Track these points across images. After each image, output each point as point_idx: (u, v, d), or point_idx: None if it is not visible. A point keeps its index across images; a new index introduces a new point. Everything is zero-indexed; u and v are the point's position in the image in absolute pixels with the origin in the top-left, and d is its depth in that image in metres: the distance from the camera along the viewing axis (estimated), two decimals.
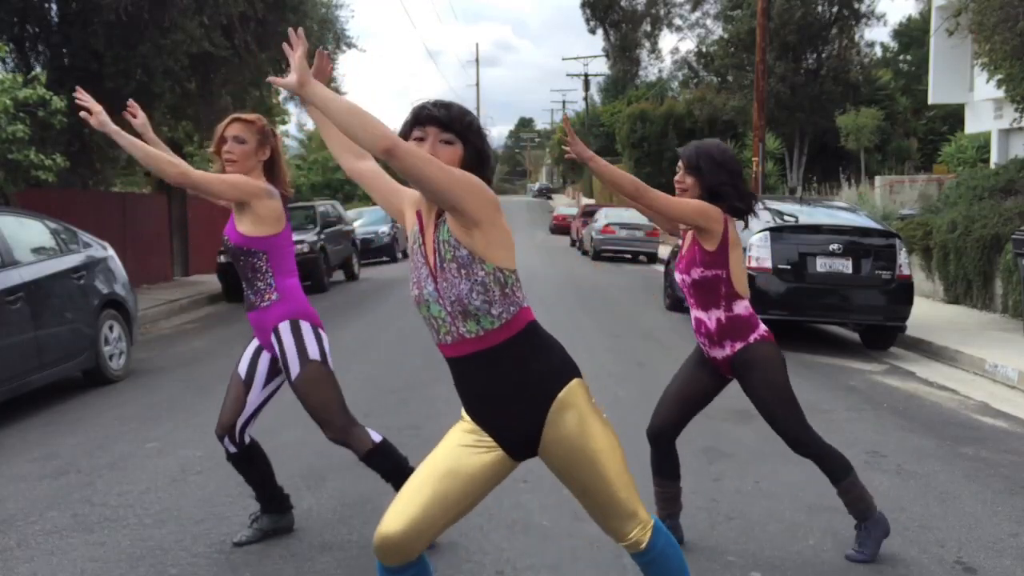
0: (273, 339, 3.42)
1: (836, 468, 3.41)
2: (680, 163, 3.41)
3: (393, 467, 3.47)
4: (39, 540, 3.71)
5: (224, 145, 3.44)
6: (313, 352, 3.40)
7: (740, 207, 3.34)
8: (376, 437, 3.44)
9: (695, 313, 3.41)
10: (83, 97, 3.45)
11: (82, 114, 3.42)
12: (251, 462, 3.61)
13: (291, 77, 2.06)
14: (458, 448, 2.32)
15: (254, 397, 3.51)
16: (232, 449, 3.55)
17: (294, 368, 3.38)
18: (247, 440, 3.57)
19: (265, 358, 3.52)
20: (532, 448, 2.29)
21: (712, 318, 3.34)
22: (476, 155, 2.25)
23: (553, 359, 2.27)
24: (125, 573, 3.36)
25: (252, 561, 3.45)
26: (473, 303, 2.17)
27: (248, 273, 3.45)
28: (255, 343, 3.56)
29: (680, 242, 3.59)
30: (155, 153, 3.37)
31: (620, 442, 2.33)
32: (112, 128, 3.41)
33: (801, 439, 3.39)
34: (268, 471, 3.67)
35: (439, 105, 2.24)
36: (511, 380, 2.23)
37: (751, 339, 3.32)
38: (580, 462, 2.27)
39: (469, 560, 3.42)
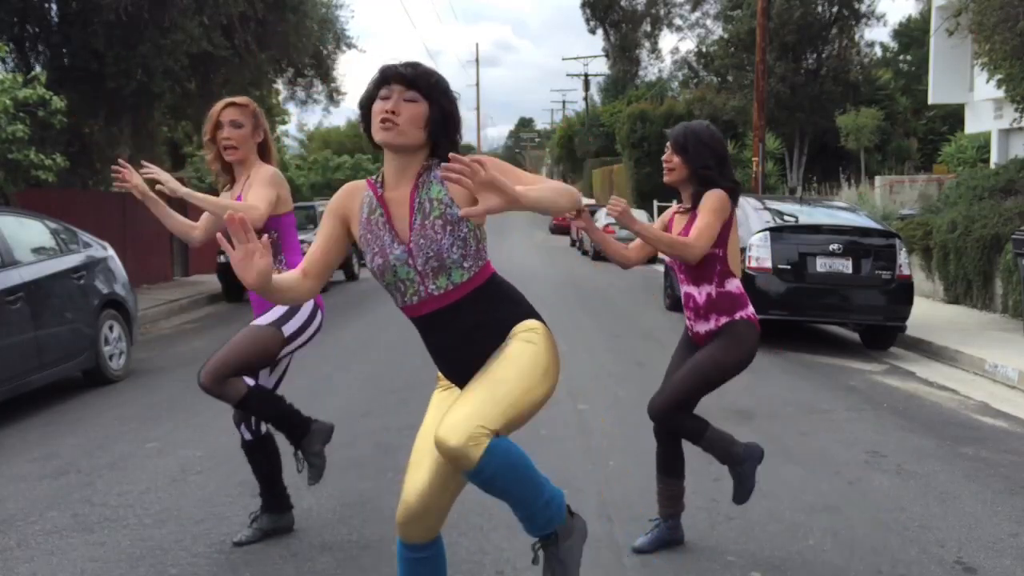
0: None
1: (692, 432, 3.35)
2: (668, 143, 3.43)
3: (274, 412, 3.45)
4: (39, 540, 3.71)
5: (221, 131, 3.45)
6: (288, 327, 3.39)
7: (729, 186, 3.36)
8: (250, 382, 3.41)
9: (686, 288, 3.43)
10: (151, 169, 3.41)
11: (157, 187, 3.38)
12: (263, 452, 3.62)
13: (491, 201, 1.95)
14: (441, 414, 2.38)
15: (262, 384, 3.53)
16: (247, 436, 3.58)
17: (263, 319, 3.38)
18: (263, 430, 3.59)
19: None
20: None
21: (703, 293, 3.36)
22: (441, 114, 2.26)
23: (513, 306, 2.35)
24: (125, 573, 3.36)
25: (252, 561, 3.45)
26: (452, 256, 2.24)
27: None
28: None
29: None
30: (226, 202, 3.38)
31: (547, 389, 2.26)
32: (184, 191, 3.36)
33: (665, 412, 3.31)
34: (277, 466, 3.68)
35: (406, 64, 2.27)
36: (474, 328, 2.29)
37: (737, 316, 3.34)
38: (496, 361, 2.24)
39: (469, 560, 3.42)
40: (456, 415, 2.08)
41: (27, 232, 6.86)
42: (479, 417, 2.07)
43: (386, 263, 2.28)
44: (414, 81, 2.24)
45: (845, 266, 8.56)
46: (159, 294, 13.70)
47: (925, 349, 8.80)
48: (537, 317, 2.37)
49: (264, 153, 3.57)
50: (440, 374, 2.46)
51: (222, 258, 13.11)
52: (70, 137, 12.55)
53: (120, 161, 3.56)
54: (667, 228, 3.53)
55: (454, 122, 2.31)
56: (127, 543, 3.65)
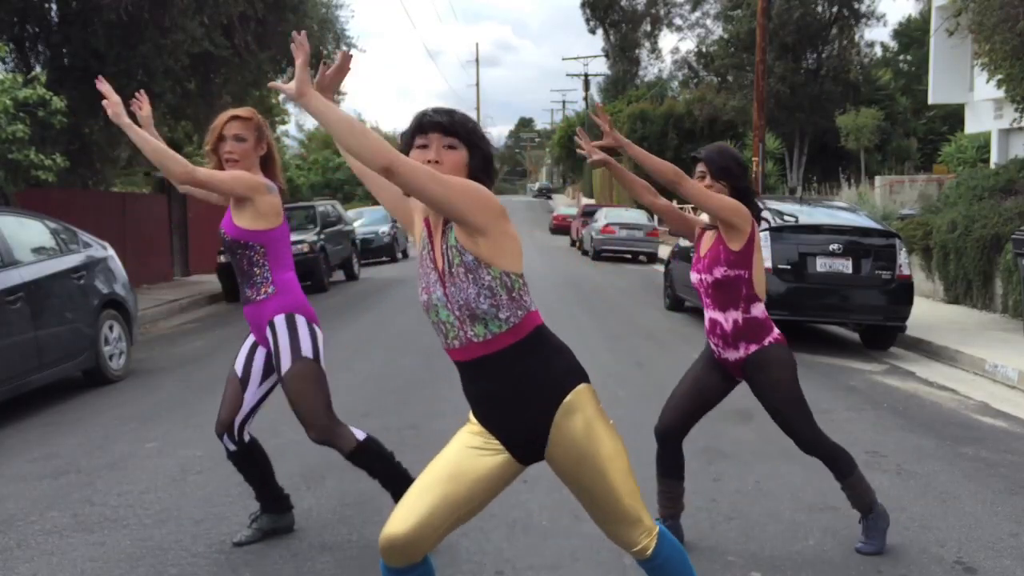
0: (268, 333, 3.41)
1: (843, 466, 3.46)
2: (702, 168, 3.38)
3: (380, 464, 3.47)
4: (39, 540, 3.71)
5: (224, 145, 3.43)
6: (306, 348, 3.39)
7: (757, 208, 3.39)
8: (360, 435, 3.43)
9: (710, 314, 3.40)
10: (103, 87, 3.48)
11: (104, 102, 3.44)
12: (251, 460, 3.61)
13: (292, 85, 2.10)
14: (465, 450, 2.32)
15: (250, 395, 3.51)
16: (231, 447, 3.55)
17: (285, 362, 3.37)
18: (247, 438, 3.57)
19: (260, 355, 3.52)
20: (539, 452, 2.29)
21: (729, 319, 3.33)
22: (481, 159, 2.27)
23: (561, 363, 2.27)
24: (125, 573, 3.36)
25: (252, 561, 3.45)
26: (481, 307, 2.18)
27: (245, 267, 3.44)
28: (251, 339, 3.56)
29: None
30: (164, 149, 3.35)
31: (625, 448, 2.33)
32: (125, 121, 3.42)
33: (810, 440, 3.42)
34: (268, 470, 3.67)
35: (440, 112, 2.26)
36: (518, 383, 2.23)
37: (766, 342, 3.32)
38: (585, 467, 2.26)
39: (469, 560, 3.42)
40: (618, 521, 2.33)
41: (27, 232, 6.86)
42: (631, 512, 2.32)
43: (429, 301, 2.26)
44: (452, 129, 2.23)
45: (845, 266, 8.56)
46: (159, 294, 13.71)
47: (925, 349, 8.80)
48: (582, 374, 2.31)
49: (267, 165, 3.53)
50: (473, 416, 2.38)
51: (222, 258, 13.12)
52: (70, 137, 12.55)
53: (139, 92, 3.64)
54: (697, 245, 3.51)
55: (491, 164, 2.32)
56: (127, 543, 3.65)
